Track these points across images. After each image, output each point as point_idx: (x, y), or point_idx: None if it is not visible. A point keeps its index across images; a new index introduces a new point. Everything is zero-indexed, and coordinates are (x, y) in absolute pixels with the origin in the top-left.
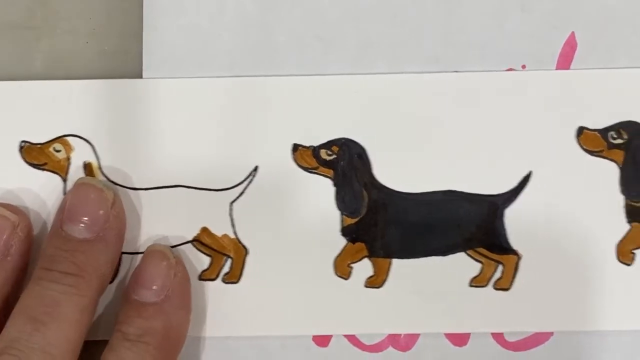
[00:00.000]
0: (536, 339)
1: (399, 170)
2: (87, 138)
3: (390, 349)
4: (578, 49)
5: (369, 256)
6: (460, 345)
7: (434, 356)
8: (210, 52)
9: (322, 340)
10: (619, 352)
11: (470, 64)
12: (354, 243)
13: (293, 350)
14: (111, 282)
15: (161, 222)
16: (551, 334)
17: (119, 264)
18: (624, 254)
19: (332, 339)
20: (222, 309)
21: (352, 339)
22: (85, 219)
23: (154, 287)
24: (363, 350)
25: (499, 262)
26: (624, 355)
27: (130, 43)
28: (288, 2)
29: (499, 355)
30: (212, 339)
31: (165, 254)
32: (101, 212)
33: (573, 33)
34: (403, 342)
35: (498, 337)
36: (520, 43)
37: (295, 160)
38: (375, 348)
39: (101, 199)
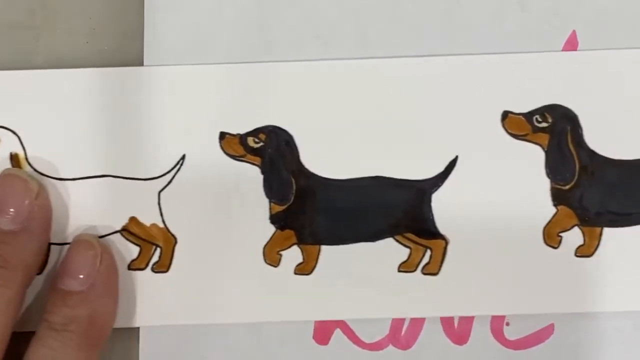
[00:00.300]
0: (537, 338)
1: (327, 157)
2: (14, 129)
3: (391, 347)
4: (579, 47)
5: (298, 243)
6: (460, 344)
7: (434, 354)
8: (209, 51)
9: (322, 338)
10: (619, 351)
11: None
12: (282, 230)
13: (293, 348)
14: (40, 273)
15: (89, 212)
16: (552, 332)
17: (47, 255)
18: (551, 237)
19: (332, 337)
20: (151, 298)
21: (352, 336)
22: (11, 210)
23: (80, 276)
24: (363, 348)
25: (427, 247)
26: (624, 354)
27: (130, 43)
28: (286, 1)
29: (499, 353)
30: (212, 333)
31: (91, 243)
32: (26, 202)
33: (574, 32)
34: (403, 340)
35: (498, 335)
36: (520, 42)
37: (223, 148)
38: (375, 346)
39: (26, 190)
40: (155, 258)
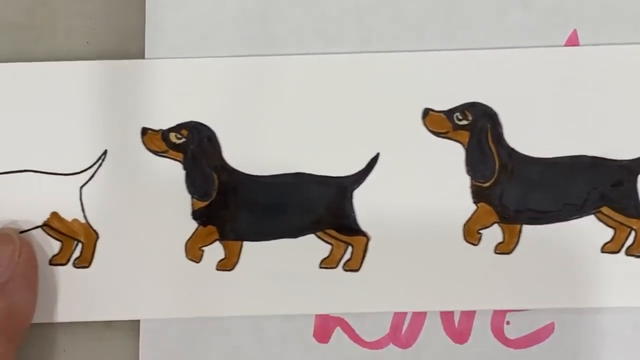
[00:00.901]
0: (537, 337)
1: (249, 154)
2: None
3: (391, 346)
4: (581, 45)
5: (220, 239)
6: (460, 343)
7: (434, 353)
8: (210, 48)
9: (322, 337)
10: (619, 350)
11: None
12: (204, 226)
13: (293, 346)
14: None
15: (10, 207)
16: (552, 331)
17: None
18: (471, 234)
19: (333, 335)
20: (73, 293)
21: (353, 335)
22: None
23: None
24: (363, 347)
25: (348, 244)
26: (625, 353)
27: (130, 43)
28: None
29: (500, 352)
30: (212, 330)
31: (10, 236)
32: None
33: (575, 31)
34: (403, 339)
35: (499, 334)
36: (521, 41)
37: (145, 144)
38: (376, 345)
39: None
40: (76, 253)
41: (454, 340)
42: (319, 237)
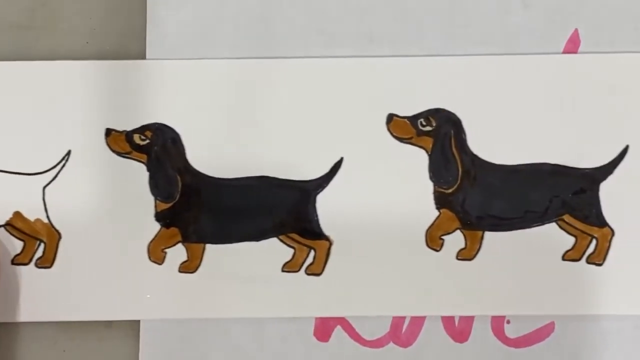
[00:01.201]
0: (537, 336)
1: (213, 156)
2: None
3: (391, 344)
4: (581, 46)
5: (183, 241)
6: (461, 342)
7: (435, 352)
8: (212, 47)
9: (322, 335)
10: (619, 349)
11: None
12: (167, 228)
13: (293, 345)
14: None
15: None
16: (552, 330)
17: None
18: (433, 240)
19: (333, 334)
20: (35, 293)
21: (353, 334)
22: None
23: None
24: (363, 345)
25: (311, 248)
26: (625, 353)
27: (130, 43)
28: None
29: (500, 351)
30: (213, 330)
31: None
32: None
33: (576, 30)
34: (404, 338)
35: (499, 333)
36: (522, 39)
37: (109, 144)
38: (376, 344)
39: None
40: (39, 253)
41: (454, 339)
42: (281, 240)
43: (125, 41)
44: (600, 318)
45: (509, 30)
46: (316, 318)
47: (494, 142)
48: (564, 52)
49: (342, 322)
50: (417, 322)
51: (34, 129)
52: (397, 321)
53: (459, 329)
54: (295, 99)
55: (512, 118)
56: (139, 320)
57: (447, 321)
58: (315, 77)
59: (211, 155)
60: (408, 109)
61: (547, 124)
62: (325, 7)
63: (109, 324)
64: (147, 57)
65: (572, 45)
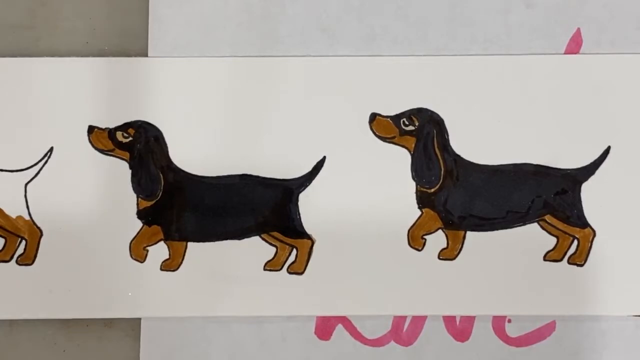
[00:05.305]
0: (538, 335)
1: (196, 154)
2: None
3: (392, 343)
4: (584, 45)
5: (165, 239)
6: (462, 341)
7: (436, 351)
8: (213, 45)
9: (323, 333)
10: (619, 349)
11: None
12: (149, 226)
13: (294, 343)
14: None
15: None
16: (553, 330)
17: None
18: (415, 239)
19: (334, 333)
20: (16, 290)
21: (354, 332)
22: None
23: None
24: (365, 344)
25: (293, 246)
26: (625, 352)
27: (130, 43)
28: None
29: (501, 350)
30: (214, 327)
31: None
32: None
33: (579, 29)
34: (405, 336)
35: (500, 332)
36: (524, 39)
37: (91, 142)
38: (377, 342)
39: None
40: (20, 250)
41: (455, 338)
42: (263, 239)
43: (125, 41)
44: (600, 318)
45: (511, 29)
46: (317, 317)
47: (477, 142)
48: (566, 52)
49: (344, 320)
50: (419, 321)
51: (16, 125)
52: (399, 320)
53: (460, 328)
54: (277, 97)
55: (494, 118)
56: (139, 320)
57: (449, 320)
58: (298, 76)
59: (193, 153)
60: (392, 109)
61: (530, 124)
62: (327, 7)
63: (109, 324)
64: (149, 54)
65: (575, 45)
